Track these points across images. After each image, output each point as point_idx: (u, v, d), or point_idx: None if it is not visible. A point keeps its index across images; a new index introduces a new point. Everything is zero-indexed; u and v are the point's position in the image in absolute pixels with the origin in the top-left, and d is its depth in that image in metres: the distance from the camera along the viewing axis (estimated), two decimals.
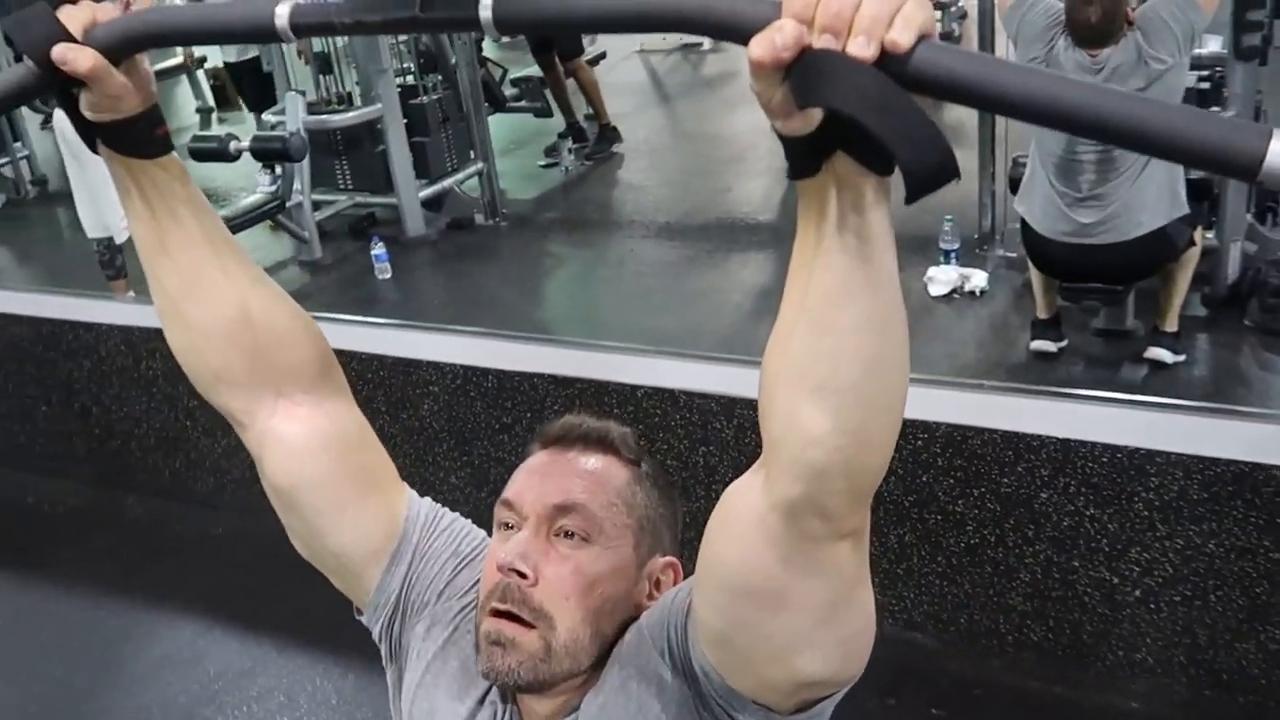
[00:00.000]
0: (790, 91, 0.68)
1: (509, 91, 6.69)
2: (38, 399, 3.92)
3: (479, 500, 3.18)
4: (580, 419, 1.16)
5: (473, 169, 5.73)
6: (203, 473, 3.69)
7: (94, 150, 1.00)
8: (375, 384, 3.27)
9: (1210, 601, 2.49)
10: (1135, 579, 2.55)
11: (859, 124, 0.65)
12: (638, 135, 6.89)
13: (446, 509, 1.27)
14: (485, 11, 0.78)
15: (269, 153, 5.01)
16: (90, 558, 3.61)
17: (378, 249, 5.11)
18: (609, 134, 6.47)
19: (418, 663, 1.20)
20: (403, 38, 5.75)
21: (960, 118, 5.00)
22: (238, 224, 4.88)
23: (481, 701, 1.16)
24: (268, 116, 5.48)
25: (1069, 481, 2.54)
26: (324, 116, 5.38)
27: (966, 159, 5.04)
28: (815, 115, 0.70)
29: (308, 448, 1.12)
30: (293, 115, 5.22)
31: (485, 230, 5.62)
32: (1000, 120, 4.44)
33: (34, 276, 5.76)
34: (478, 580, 1.16)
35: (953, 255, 4.48)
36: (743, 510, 0.88)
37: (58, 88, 0.93)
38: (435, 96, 5.68)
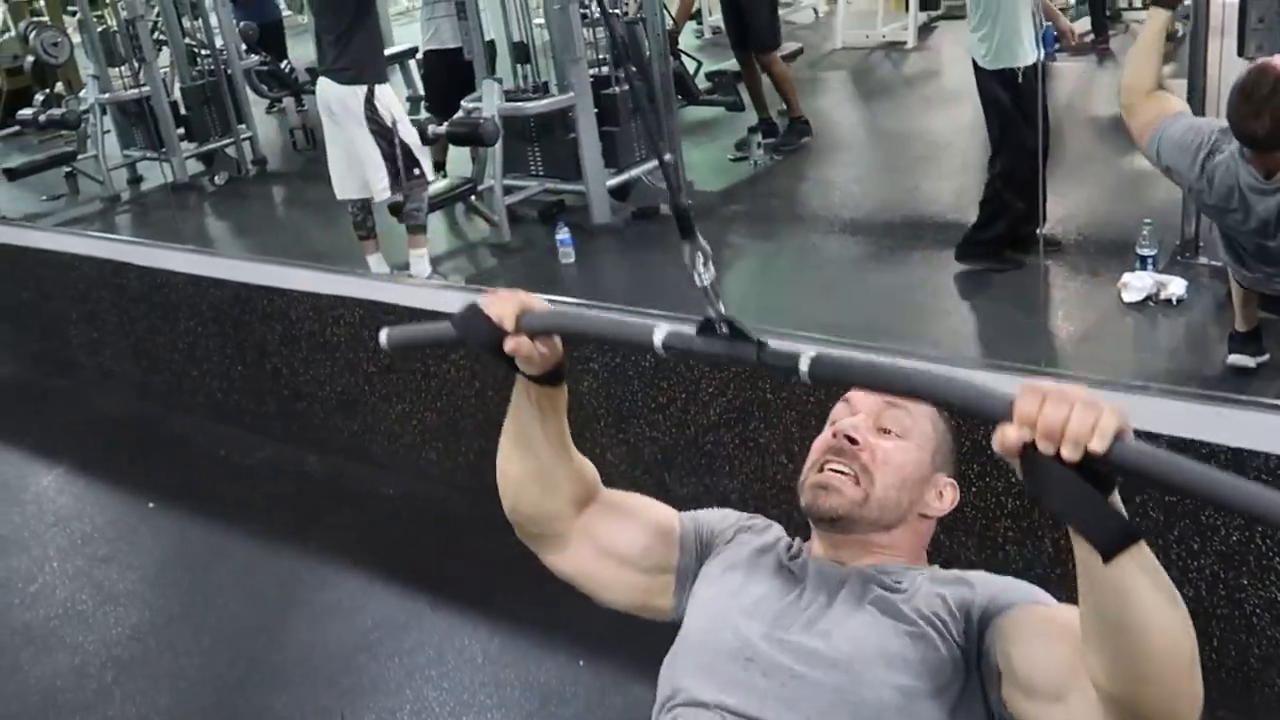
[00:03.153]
0: (1022, 474, 1.01)
1: (703, 85, 6.72)
2: (234, 359, 4.17)
3: (634, 478, 3.21)
4: None
5: None
6: (378, 436, 3.85)
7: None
8: None
9: None
10: None
11: (1052, 513, 1.10)
12: (831, 131, 6.82)
13: None
14: (804, 365, 1.16)
15: (464, 137, 5.20)
16: (274, 506, 3.82)
17: (562, 234, 5.23)
18: (799, 126, 6.42)
19: (715, 557, 1.57)
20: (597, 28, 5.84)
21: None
22: (434, 204, 5.10)
23: (764, 554, 1.52)
24: (466, 103, 5.67)
25: None
26: (519, 103, 5.54)
27: None
28: None
29: (600, 551, 1.60)
30: (489, 101, 5.40)
31: (669, 220, 5.63)
32: (1210, 108, 4.17)
33: (249, 246, 6.14)
34: (740, 516, 1.62)
35: (1150, 261, 4.28)
36: (1077, 660, 1.14)
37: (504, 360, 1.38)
38: (626, 87, 5.75)
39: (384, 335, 1.48)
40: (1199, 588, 2.50)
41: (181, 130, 7.27)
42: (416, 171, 4.91)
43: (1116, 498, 1.02)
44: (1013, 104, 4.32)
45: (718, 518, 1.62)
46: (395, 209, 4.97)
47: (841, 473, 1.43)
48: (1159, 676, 1.05)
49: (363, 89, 4.73)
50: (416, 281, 4.70)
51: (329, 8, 4.76)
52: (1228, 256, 3.37)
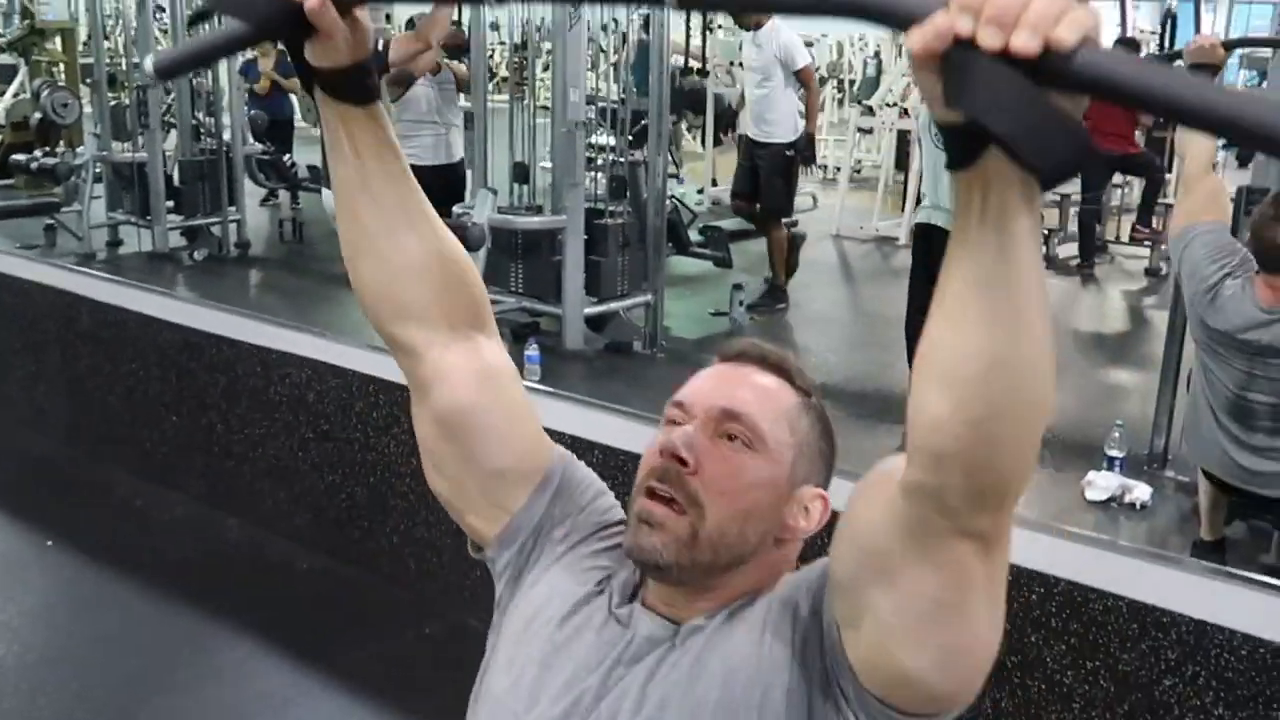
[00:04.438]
0: (943, 86, 0.71)
1: (695, 238, 6.77)
2: (171, 409, 4.01)
3: None
4: (762, 344, 1.21)
5: (642, 298, 5.75)
6: (304, 507, 3.67)
7: (310, 94, 1.11)
8: None
9: None
10: None
11: (987, 126, 0.70)
12: (815, 306, 6.85)
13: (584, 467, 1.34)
14: None
15: None
16: (181, 566, 3.64)
17: (531, 350, 5.14)
18: (778, 294, 6.47)
19: (547, 558, 1.25)
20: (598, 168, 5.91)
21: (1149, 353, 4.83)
22: None
23: (599, 588, 1.20)
24: (457, 209, 5.66)
25: (1199, 671, 2.23)
26: (510, 216, 5.53)
27: (1149, 378, 4.80)
28: None
29: (474, 378, 1.20)
30: (480, 209, 5.39)
31: (641, 358, 5.61)
32: (1189, 343, 4.21)
33: None
34: (616, 505, 1.27)
35: (1117, 464, 4.21)
36: (884, 479, 0.93)
37: (288, 31, 1.03)
38: (620, 221, 5.77)
39: (149, 61, 1.12)
40: None
41: (171, 203, 7.22)
42: None
43: None
44: None
45: (587, 497, 1.27)
46: None
47: (668, 502, 1.10)
48: (1025, 393, 0.81)
49: None
50: (366, 347, 4.53)
51: None
52: (1192, 441, 3.28)
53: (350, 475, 3.49)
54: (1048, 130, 0.69)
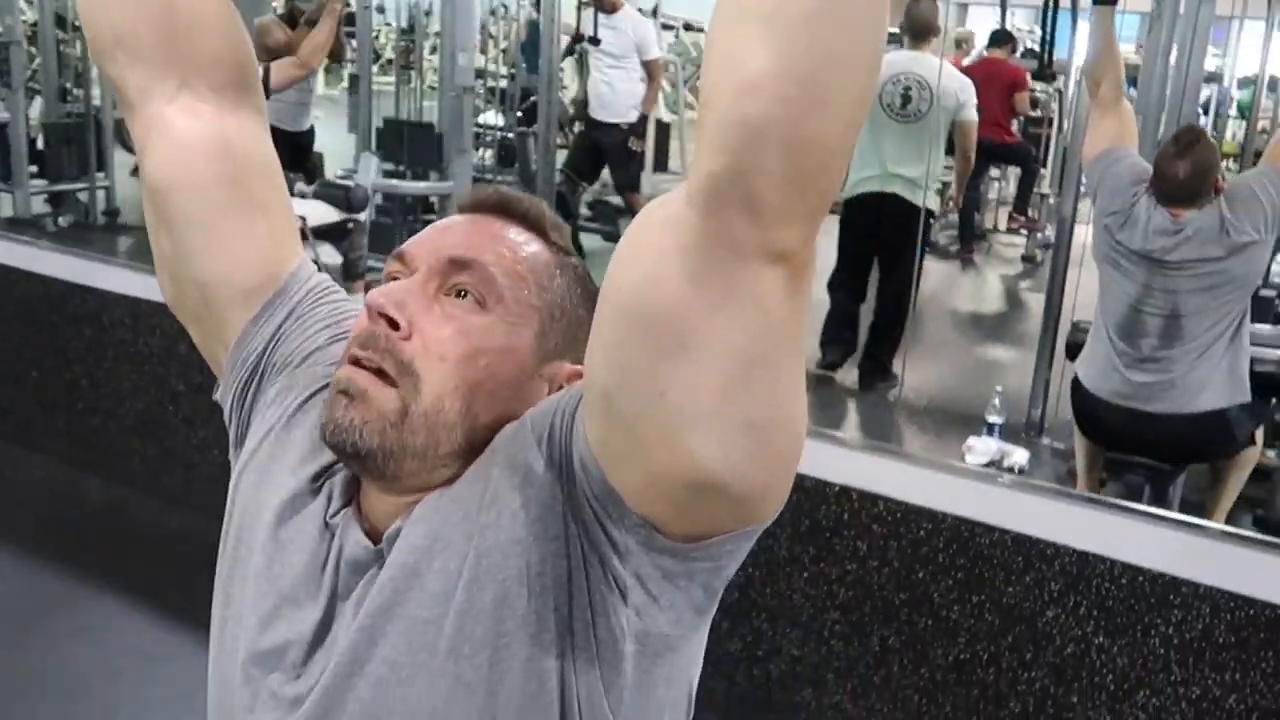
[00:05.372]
0: None
1: (585, 212, 6.73)
2: (31, 364, 3.80)
3: None
4: (508, 190, 0.99)
5: None
6: (174, 464, 3.51)
7: None
8: None
9: None
10: None
11: None
12: None
13: (343, 289, 1.10)
14: None
15: (334, 199, 5.03)
16: (42, 528, 3.46)
17: None
18: None
19: (258, 430, 1.03)
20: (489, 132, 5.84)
21: (1026, 331, 4.96)
22: None
23: (318, 484, 0.97)
24: (340, 170, 5.53)
25: (1081, 601, 2.26)
26: (395, 182, 5.42)
27: (1026, 354, 4.92)
28: None
29: (200, 145, 1.00)
30: (364, 173, 5.28)
31: None
32: (1064, 321, 4.34)
33: None
34: None
35: (996, 429, 4.32)
36: (655, 217, 0.72)
37: None
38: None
39: None
40: (1027, 704, 2.35)
41: (35, 169, 6.90)
42: (350, 224, 4.97)
43: None
44: (917, 241, 4.54)
45: (332, 296, 1.06)
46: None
47: (375, 372, 0.88)
48: (858, 36, 0.65)
49: None
50: None
51: None
52: (1086, 368, 3.37)
53: (224, 431, 3.34)
54: None
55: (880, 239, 4.79)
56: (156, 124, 1.00)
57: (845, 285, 4.92)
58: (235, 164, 1.01)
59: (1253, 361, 3.66)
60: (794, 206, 0.67)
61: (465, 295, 0.89)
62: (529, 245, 0.94)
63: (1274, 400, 3.67)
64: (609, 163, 6.46)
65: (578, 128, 6.93)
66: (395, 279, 0.92)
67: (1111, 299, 3.30)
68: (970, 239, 7.81)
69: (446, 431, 0.88)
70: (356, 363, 0.88)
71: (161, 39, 0.99)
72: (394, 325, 0.87)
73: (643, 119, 6.47)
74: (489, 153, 6.28)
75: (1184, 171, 3.07)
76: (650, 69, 6.34)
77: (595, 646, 0.83)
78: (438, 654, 0.84)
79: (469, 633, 0.83)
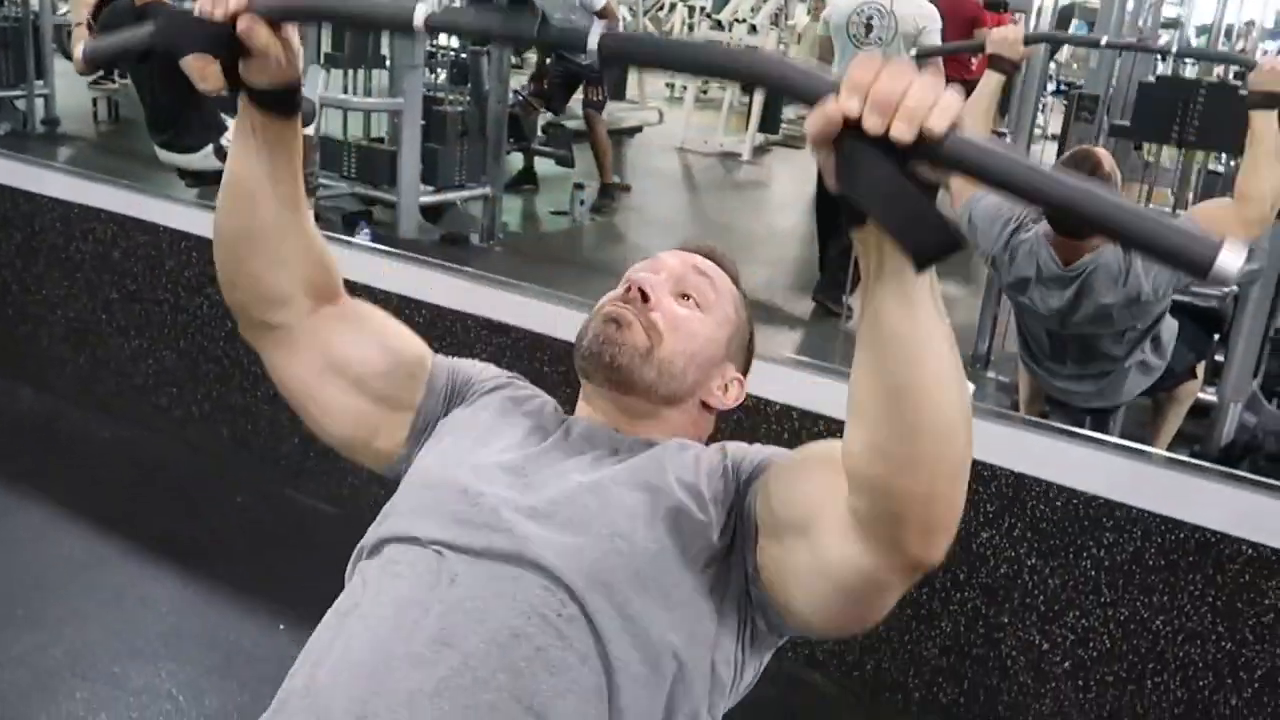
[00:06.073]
0: (835, 166, 0.82)
1: (540, 136, 6.63)
2: None
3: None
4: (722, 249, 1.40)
5: (480, 191, 5.60)
6: (106, 373, 3.43)
7: (234, 101, 1.20)
8: None
9: (1146, 688, 2.19)
10: (1068, 648, 2.25)
11: (867, 212, 0.84)
12: (655, 211, 6.85)
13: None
14: (593, 42, 0.93)
15: None
16: None
17: (364, 234, 4.94)
18: (610, 190, 6.47)
19: (461, 409, 1.35)
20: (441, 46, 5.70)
21: (971, 271, 4.95)
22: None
23: (528, 413, 1.32)
24: None
25: (1015, 523, 2.27)
26: (345, 96, 5.28)
27: (973, 291, 4.92)
28: None
29: (344, 313, 1.36)
30: (311, 85, 5.12)
31: (478, 250, 5.48)
32: None
33: None
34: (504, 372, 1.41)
35: None
36: (839, 476, 0.99)
37: (223, 52, 1.13)
38: (459, 109, 5.58)
39: (80, 50, 1.21)
40: (958, 622, 2.36)
41: None
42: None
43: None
44: None
45: (477, 369, 1.40)
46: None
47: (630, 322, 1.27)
48: (930, 422, 0.90)
49: None
50: (178, 200, 4.26)
51: None
52: (1020, 347, 3.35)
53: (159, 339, 3.27)
54: (918, 219, 0.80)
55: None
56: (306, 327, 1.32)
57: (820, 219, 4.98)
58: (359, 310, 1.37)
59: (1195, 296, 3.67)
60: (914, 536, 0.95)
61: (689, 299, 1.30)
62: (729, 282, 1.36)
63: (1214, 336, 3.69)
64: (586, 84, 6.43)
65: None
66: (643, 274, 1.30)
67: (1024, 325, 3.22)
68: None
69: (668, 379, 1.26)
70: (615, 309, 1.26)
71: (302, 281, 1.31)
72: (645, 297, 1.26)
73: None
74: (442, 72, 6.11)
75: None
76: (604, 13, 6.15)
77: (736, 636, 1.16)
78: (608, 509, 1.14)
79: (642, 513, 1.14)
